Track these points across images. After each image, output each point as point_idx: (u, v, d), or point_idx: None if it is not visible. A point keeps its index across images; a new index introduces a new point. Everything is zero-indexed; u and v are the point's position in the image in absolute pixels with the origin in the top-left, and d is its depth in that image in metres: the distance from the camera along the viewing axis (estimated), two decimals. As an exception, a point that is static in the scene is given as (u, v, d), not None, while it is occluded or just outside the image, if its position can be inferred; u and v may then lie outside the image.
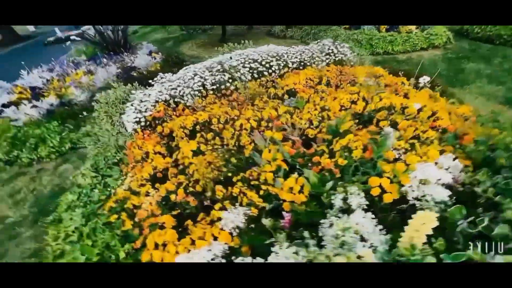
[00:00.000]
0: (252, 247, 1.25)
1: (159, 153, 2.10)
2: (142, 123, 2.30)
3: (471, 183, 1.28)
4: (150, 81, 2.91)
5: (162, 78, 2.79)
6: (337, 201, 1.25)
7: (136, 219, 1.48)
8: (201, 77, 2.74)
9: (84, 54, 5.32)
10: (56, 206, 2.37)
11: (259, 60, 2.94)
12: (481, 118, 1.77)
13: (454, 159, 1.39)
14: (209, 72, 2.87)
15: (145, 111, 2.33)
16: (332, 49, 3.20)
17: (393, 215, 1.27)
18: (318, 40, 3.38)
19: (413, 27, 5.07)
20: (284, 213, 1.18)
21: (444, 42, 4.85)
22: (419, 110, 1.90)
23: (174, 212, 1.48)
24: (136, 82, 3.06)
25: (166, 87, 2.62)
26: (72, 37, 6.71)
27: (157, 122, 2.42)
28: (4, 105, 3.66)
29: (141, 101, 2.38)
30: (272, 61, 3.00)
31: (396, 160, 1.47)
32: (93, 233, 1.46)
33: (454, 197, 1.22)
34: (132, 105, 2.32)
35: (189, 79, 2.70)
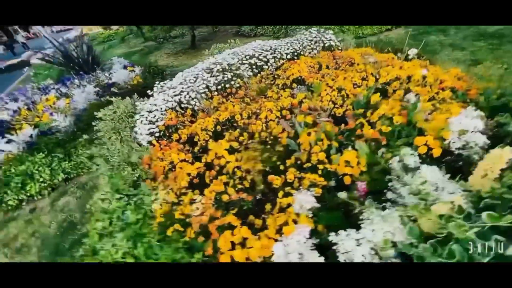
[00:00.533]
0: (327, 225, 1.26)
1: (184, 160, 2.01)
2: (156, 134, 2.17)
3: (498, 126, 1.46)
4: (134, 93, 2.77)
5: (162, 86, 2.66)
6: (395, 164, 1.32)
7: (196, 227, 1.40)
8: (203, 79, 2.67)
9: (48, 78, 4.79)
10: (72, 243, 2.13)
11: (256, 55, 2.96)
12: (476, 75, 2.00)
13: (475, 110, 1.56)
14: (208, 73, 2.81)
15: (157, 121, 2.20)
16: (319, 37, 3.34)
17: (443, 167, 1.39)
18: (304, 30, 3.51)
19: (375, 11, 5.51)
20: (358, 183, 1.22)
21: (404, 21, 5.36)
22: (424, 77, 2.09)
23: (233, 211, 1.43)
24: (127, 96, 2.87)
25: (169, 94, 2.50)
26: (32, 61, 6.00)
27: (170, 130, 2.30)
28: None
29: (150, 112, 2.25)
30: (267, 54, 3.03)
31: (425, 120, 1.60)
32: (152, 253, 1.35)
33: (490, 141, 1.38)
34: (142, 116, 2.17)
35: (191, 82, 2.61)
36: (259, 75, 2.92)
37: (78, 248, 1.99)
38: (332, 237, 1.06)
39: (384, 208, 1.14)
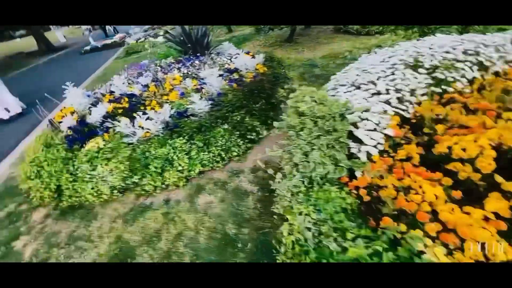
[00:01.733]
0: None
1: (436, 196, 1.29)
2: (380, 147, 1.50)
3: None
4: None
5: (355, 80, 2.00)
6: None
7: None
8: (413, 76, 1.92)
9: (170, 57, 4.71)
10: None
11: (481, 52, 2.09)
12: None
13: None
14: (407, 68, 2.05)
15: (381, 130, 1.53)
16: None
17: None
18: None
19: None
20: None
21: None
22: None
23: None
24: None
25: (371, 90, 1.82)
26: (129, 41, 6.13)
27: (389, 144, 1.62)
28: (104, 117, 3.03)
29: (368, 111, 1.59)
30: (492, 52, 2.13)
31: None
32: None
33: None
34: (363, 119, 1.53)
35: (402, 78, 1.89)
36: (477, 80, 2.05)
37: None
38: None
39: None
